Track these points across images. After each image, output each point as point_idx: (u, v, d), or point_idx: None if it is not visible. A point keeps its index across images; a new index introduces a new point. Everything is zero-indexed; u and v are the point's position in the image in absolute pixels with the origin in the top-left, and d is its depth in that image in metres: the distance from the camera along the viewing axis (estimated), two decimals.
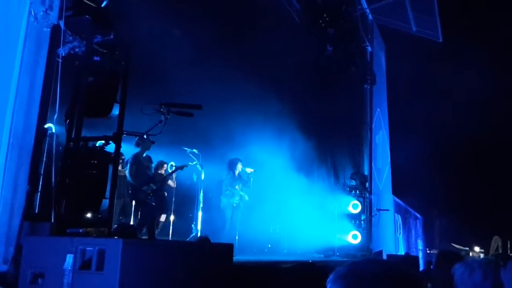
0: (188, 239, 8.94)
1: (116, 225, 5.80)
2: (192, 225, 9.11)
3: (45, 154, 4.92)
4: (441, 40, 15.71)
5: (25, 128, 4.47)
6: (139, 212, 8.53)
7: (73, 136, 4.97)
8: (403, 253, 17.52)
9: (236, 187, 9.68)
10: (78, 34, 5.00)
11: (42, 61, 4.67)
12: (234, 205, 9.68)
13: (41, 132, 4.68)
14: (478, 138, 24.62)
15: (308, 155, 12.35)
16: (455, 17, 19.45)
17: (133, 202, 8.83)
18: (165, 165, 8.94)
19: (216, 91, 10.64)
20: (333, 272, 1.43)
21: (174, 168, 8.98)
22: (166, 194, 9.21)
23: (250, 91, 11.35)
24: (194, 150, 9.08)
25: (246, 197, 9.86)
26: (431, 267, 9.75)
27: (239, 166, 9.81)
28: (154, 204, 8.33)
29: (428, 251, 24.69)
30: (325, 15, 12.84)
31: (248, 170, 9.93)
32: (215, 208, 10.41)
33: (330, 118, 13.19)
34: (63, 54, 4.88)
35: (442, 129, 25.81)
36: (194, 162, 9.08)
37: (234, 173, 9.76)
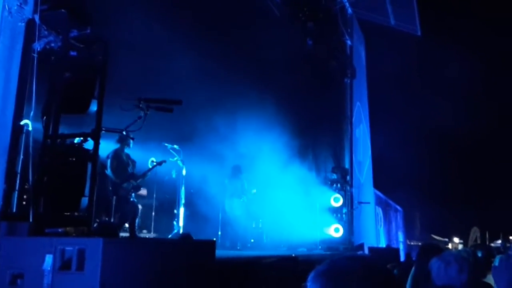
0: (170, 236, 8.88)
1: (96, 224, 5.71)
2: (174, 222, 9.03)
3: (21, 151, 4.80)
4: (419, 34, 15.84)
5: (0, 125, 4.37)
6: (120, 209, 8.41)
7: (50, 133, 4.86)
8: (384, 246, 17.72)
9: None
10: (54, 29, 4.88)
11: (17, 56, 4.57)
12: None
13: (17, 129, 4.58)
14: (458, 131, 25.03)
15: (289, 149, 12.36)
16: (433, 10, 19.68)
17: (113, 199, 8.73)
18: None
19: (196, 85, 10.57)
20: (313, 270, 1.44)
21: (154, 163, 8.88)
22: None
23: (231, 85, 11.30)
24: (175, 146, 8.97)
25: None
26: (413, 259, 9.87)
27: None
28: (135, 200, 8.25)
29: (409, 243, 25.05)
30: (305, 8, 12.84)
31: None
32: (195, 205, 10.46)
33: (310, 112, 13.21)
34: (38, 49, 4.77)
35: (422, 122, 26.16)
36: (175, 158, 8.97)
37: (239, 177, 10.69)
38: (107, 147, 8.15)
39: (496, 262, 5.96)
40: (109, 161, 7.98)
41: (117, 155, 8.03)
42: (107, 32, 5.52)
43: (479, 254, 6.03)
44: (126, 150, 8.20)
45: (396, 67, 21.50)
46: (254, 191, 10.99)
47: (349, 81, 14.76)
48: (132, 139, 7.81)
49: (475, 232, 24.52)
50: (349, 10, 15.32)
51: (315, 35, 13.41)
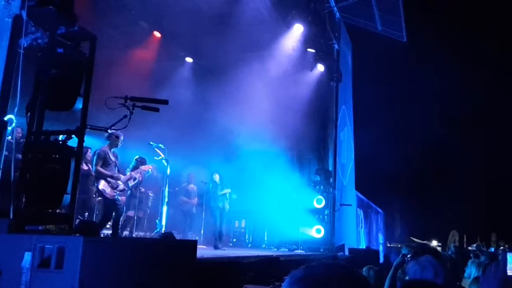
0: (152, 234, 8.89)
1: (77, 222, 5.70)
2: (157, 221, 9.04)
3: (4, 147, 4.78)
4: (405, 40, 16.02)
5: None
6: (103, 207, 8.38)
7: (34, 129, 4.84)
8: (364, 247, 17.91)
9: (220, 193, 10.56)
10: (41, 25, 4.84)
11: (3, 51, 4.54)
12: (220, 206, 10.49)
13: (1, 125, 4.55)
14: (439, 136, 25.36)
15: (273, 150, 12.43)
16: (420, 17, 19.90)
17: (96, 196, 8.70)
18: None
19: (185, 85, 10.57)
20: (288, 276, 1.40)
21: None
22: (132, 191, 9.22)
23: (217, 86, 11.29)
24: (160, 145, 8.96)
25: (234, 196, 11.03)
26: (391, 261, 9.98)
27: (217, 176, 10.66)
28: (119, 199, 8.21)
29: (388, 245, 25.32)
30: (293, 11, 12.88)
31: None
32: (179, 204, 10.49)
33: (296, 114, 13.30)
34: (25, 45, 4.73)
35: (404, 127, 26.45)
36: (160, 157, 8.96)
37: (215, 181, 10.62)
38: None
39: (473, 270, 6.04)
40: (95, 158, 7.94)
41: (103, 153, 7.96)
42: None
43: (456, 257, 6.14)
44: (115, 149, 8.13)
45: (382, 72, 21.72)
46: (235, 196, 10.99)
47: (335, 84, 14.89)
48: (117, 138, 7.82)
49: (454, 235, 24.79)
50: (337, 15, 15.43)
51: (303, 38, 13.48)
